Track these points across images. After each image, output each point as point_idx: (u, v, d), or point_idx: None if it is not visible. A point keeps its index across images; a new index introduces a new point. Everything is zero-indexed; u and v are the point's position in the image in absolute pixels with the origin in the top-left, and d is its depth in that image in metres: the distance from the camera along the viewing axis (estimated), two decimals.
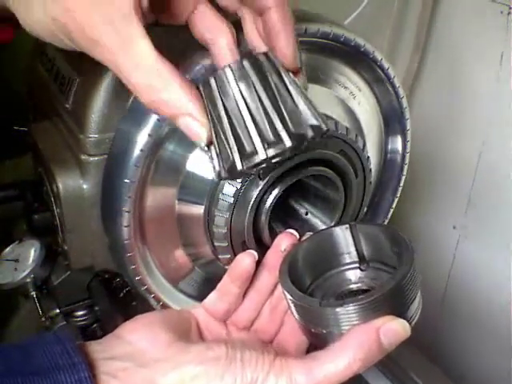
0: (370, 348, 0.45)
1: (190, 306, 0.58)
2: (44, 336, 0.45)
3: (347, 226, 0.57)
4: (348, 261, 0.58)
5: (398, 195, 0.75)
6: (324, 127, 0.46)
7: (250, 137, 0.44)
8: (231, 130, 0.44)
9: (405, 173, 0.74)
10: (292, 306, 0.51)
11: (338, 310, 0.47)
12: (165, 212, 0.60)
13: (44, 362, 0.43)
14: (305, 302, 0.50)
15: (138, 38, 0.42)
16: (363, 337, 0.46)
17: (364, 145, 0.63)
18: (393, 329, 0.46)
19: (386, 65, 0.65)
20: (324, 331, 0.49)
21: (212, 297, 0.56)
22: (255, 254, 0.55)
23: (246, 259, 0.54)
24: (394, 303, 0.47)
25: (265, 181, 0.56)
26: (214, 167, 0.47)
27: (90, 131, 0.63)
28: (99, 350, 0.46)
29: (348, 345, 0.46)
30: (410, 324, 0.48)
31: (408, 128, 0.71)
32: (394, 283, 0.47)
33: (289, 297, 0.51)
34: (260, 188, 0.57)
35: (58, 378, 0.41)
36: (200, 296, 0.67)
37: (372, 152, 0.69)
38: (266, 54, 0.47)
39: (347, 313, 0.47)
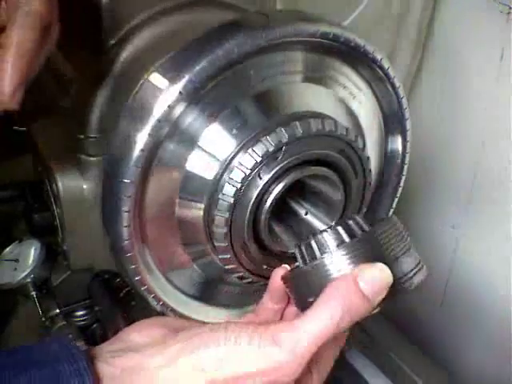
0: (352, 298, 0.45)
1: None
2: (43, 339, 0.47)
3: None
4: None
5: (398, 195, 0.75)
6: None
7: None
8: None
9: (405, 173, 0.74)
10: (287, 283, 0.52)
11: (319, 262, 0.48)
12: (165, 212, 0.60)
13: (43, 356, 0.45)
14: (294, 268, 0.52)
15: None
16: (342, 287, 0.45)
17: (364, 145, 0.63)
18: (370, 274, 0.45)
19: (386, 65, 0.64)
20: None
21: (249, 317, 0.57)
22: (287, 267, 0.55)
23: (278, 273, 0.54)
24: (374, 252, 0.47)
25: (264, 181, 0.56)
26: None
27: (90, 131, 0.63)
28: (97, 348, 0.49)
29: (329, 298, 0.45)
30: (403, 284, 0.47)
31: (408, 128, 0.71)
32: (372, 229, 0.48)
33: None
34: (260, 188, 0.56)
35: (58, 368, 0.43)
36: (200, 296, 0.67)
37: (372, 152, 0.69)
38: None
39: (332, 262, 0.47)
